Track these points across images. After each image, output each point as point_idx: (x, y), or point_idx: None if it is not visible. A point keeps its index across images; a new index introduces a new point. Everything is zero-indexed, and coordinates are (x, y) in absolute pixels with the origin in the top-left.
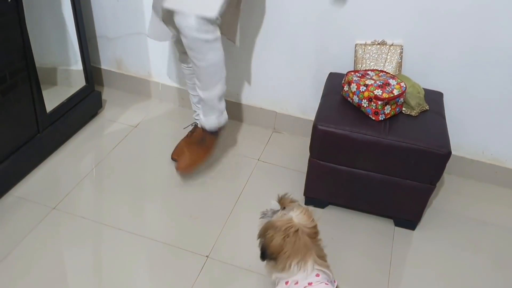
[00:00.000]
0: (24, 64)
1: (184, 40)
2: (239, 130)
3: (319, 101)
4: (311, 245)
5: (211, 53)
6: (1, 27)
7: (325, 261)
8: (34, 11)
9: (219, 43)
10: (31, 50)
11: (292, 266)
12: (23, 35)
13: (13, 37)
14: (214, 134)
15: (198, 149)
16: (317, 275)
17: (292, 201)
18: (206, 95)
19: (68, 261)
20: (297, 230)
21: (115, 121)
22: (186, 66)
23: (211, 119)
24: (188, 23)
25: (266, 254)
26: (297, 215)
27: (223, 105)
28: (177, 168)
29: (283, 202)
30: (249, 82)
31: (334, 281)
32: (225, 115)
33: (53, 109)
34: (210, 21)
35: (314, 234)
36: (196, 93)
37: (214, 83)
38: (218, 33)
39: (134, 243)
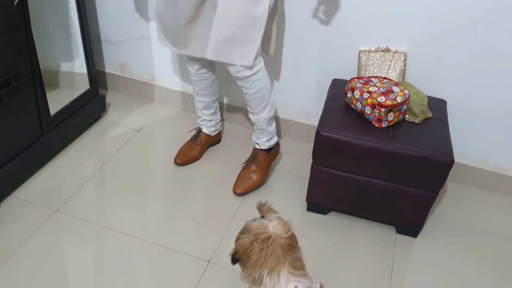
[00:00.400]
0: (29, 67)
1: (231, 74)
2: (242, 135)
3: (322, 107)
4: (282, 255)
5: (257, 82)
6: (7, 30)
7: (303, 269)
8: (40, 14)
9: (264, 71)
10: (36, 53)
11: (263, 279)
12: (28, 38)
13: (18, 40)
14: (267, 152)
15: (255, 171)
16: (296, 287)
17: (270, 209)
18: (256, 118)
19: (69, 264)
20: (268, 238)
21: (118, 124)
22: (194, 72)
23: (261, 141)
24: (231, 67)
25: (234, 256)
26: (274, 225)
27: (273, 127)
28: (235, 191)
29: (262, 210)
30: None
31: (316, 283)
32: (275, 138)
33: (57, 112)
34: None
35: (288, 246)
36: (203, 99)
37: (262, 108)
38: (262, 63)
39: (136, 247)
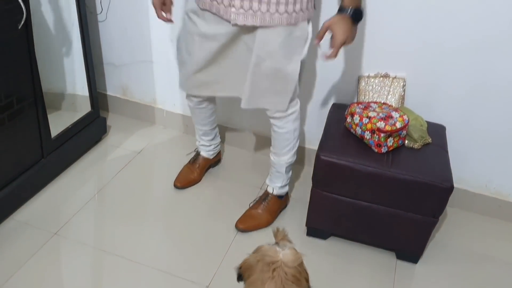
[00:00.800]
0: (31, 90)
1: (267, 113)
2: (242, 158)
3: (322, 130)
4: (281, 284)
5: (290, 123)
6: (10, 54)
7: None
8: (43, 37)
9: (298, 114)
10: (39, 76)
11: None
12: (31, 61)
13: (21, 63)
14: (279, 198)
15: (262, 212)
16: None
17: (285, 237)
18: (277, 160)
19: (68, 287)
20: (274, 262)
21: (118, 146)
22: (193, 105)
23: (276, 185)
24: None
25: (239, 270)
26: (285, 253)
27: (289, 174)
28: (237, 226)
29: (277, 236)
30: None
31: None
32: (287, 187)
33: (58, 134)
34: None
35: (292, 277)
36: (202, 128)
37: (287, 150)
38: (297, 106)
39: (135, 271)
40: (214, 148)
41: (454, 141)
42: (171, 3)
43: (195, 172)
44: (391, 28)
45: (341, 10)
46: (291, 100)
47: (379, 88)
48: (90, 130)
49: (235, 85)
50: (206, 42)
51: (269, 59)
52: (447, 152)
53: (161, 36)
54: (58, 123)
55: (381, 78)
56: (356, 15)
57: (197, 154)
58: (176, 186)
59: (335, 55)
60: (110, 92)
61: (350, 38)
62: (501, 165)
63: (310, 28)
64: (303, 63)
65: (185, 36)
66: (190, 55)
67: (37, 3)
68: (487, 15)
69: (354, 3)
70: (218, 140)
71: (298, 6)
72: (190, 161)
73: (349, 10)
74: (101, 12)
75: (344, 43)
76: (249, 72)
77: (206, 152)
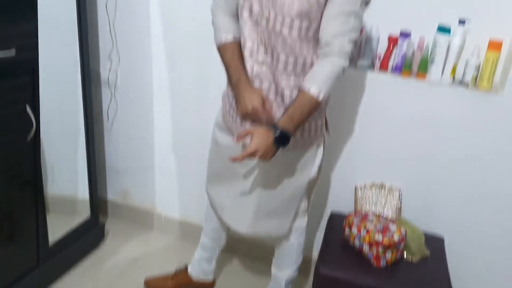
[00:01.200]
0: (33, 199)
1: None
2: (239, 264)
3: (320, 237)
4: None
5: (295, 238)
6: (16, 165)
7: None
8: (48, 145)
9: (303, 229)
10: (42, 186)
11: None
12: (36, 172)
13: (26, 173)
14: None
15: None
16: None
17: None
18: (278, 273)
19: None
20: None
21: (115, 254)
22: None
23: None
24: None
25: None
26: None
27: None
28: None
29: None
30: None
31: None
32: None
33: (55, 242)
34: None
35: None
36: (203, 235)
37: (289, 264)
38: (303, 221)
39: None
40: (201, 272)
41: (454, 250)
42: (268, 101)
43: (169, 282)
44: (385, 140)
45: (273, 125)
46: (293, 221)
47: (375, 198)
48: (88, 237)
49: (236, 212)
50: (218, 150)
51: (275, 181)
52: (446, 264)
53: (163, 144)
54: (55, 227)
55: (377, 189)
56: (281, 137)
57: (185, 267)
58: (144, 283)
59: (239, 159)
60: (110, 195)
61: (261, 152)
62: (503, 276)
63: (320, 151)
64: (310, 182)
65: (210, 144)
66: (209, 161)
67: (46, 114)
68: (481, 131)
69: (287, 126)
70: (211, 268)
71: (306, 134)
72: (174, 270)
73: (277, 130)
74: (108, 120)
75: (254, 154)
76: (255, 194)
77: (192, 269)
